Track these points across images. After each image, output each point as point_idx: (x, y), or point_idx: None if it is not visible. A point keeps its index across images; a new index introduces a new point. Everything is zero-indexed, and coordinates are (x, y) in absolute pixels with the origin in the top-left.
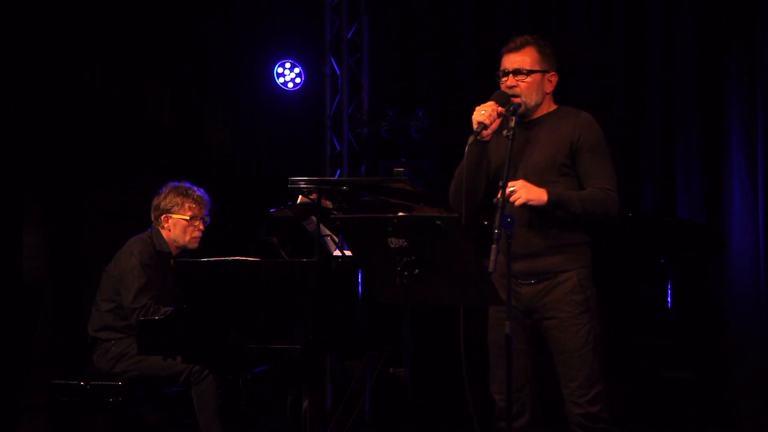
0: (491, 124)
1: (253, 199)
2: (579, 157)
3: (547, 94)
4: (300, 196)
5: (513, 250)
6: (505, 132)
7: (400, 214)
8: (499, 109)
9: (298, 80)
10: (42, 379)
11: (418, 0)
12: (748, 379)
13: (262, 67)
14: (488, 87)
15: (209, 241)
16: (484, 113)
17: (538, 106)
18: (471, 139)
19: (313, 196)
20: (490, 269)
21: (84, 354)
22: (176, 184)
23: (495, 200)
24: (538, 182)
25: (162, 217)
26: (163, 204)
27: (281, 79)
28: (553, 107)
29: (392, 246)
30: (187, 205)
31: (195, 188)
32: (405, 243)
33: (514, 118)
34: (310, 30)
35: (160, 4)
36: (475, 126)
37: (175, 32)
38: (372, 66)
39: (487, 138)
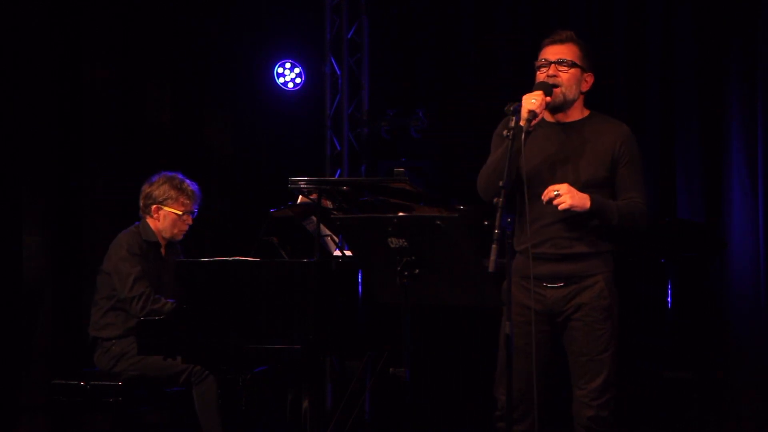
0: (540, 113)
1: (253, 199)
2: (618, 169)
3: (582, 94)
4: (300, 196)
5: (541, 252)
6: (505, 132)
7: (400, 214)
8: (547, 98)
9: (298, 80)
10: (42, 379)
11: (418, 0)
12: (748, 379)
13: (262, 67)
14: (488, 87)
15: (209, 241)
16: (535, 102)
17: (572, 103)
18: (525, 126)
19: (313, 196)
20: (490, 269)
21: (84, 354)
22: (170, 174)
23: (495, 201)
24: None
25: (153, 206)
26: (155, 194)
27: (281, 79)
28: (587, 112)
29: (392, 246)
30: (181, 200)
31: (188, 182)
32: (405, 243)
33: (514, 118)
34: (310, 30)
35: (160, 4)
36: (525, 114)
37: (175, 32)
38: (372, 66)
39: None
